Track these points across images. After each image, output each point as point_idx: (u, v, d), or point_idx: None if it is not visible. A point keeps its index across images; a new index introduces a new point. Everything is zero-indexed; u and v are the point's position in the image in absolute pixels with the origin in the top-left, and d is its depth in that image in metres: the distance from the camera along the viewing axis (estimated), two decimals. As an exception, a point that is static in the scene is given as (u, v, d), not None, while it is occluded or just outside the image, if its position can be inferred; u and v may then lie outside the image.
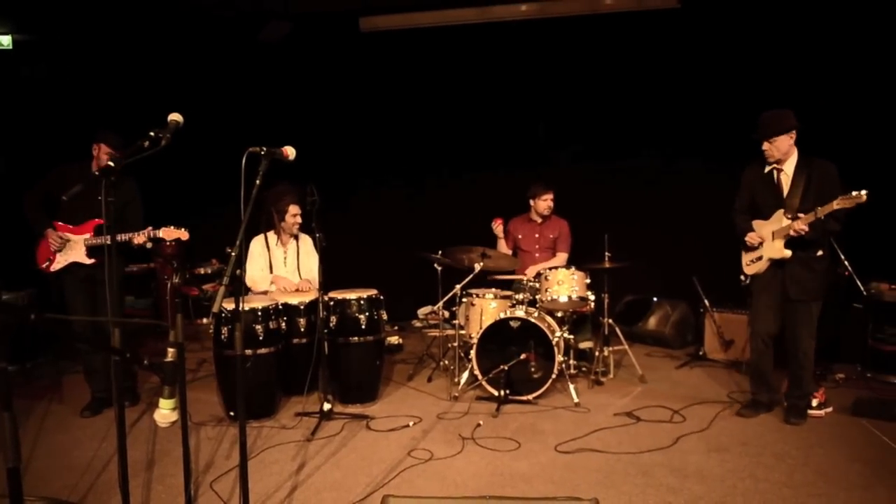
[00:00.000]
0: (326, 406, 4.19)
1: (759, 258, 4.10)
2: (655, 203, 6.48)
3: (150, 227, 4.10)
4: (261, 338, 4.21)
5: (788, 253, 3.92)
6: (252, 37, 6.63)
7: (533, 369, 4.52)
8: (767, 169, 4.06)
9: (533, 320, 4.52)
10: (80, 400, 4.62)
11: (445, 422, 4.20)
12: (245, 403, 2.65)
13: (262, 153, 2.67)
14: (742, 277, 4.23)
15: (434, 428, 4.09)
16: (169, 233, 4.10)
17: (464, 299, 5.08)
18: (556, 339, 4.51)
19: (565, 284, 4.74)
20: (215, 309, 2.36)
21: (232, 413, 4.26)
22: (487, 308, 4.88)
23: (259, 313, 4.22)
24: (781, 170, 4.01)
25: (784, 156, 3.95)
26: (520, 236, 5.57)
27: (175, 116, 2.64)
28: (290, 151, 2.84)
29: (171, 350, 2.31)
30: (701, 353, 5.61)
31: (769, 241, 4.02)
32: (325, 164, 6.09)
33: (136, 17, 6.17)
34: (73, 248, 4.31)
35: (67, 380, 5.23)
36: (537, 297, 4.89)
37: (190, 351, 5.88)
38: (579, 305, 4.90)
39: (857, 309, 5.10)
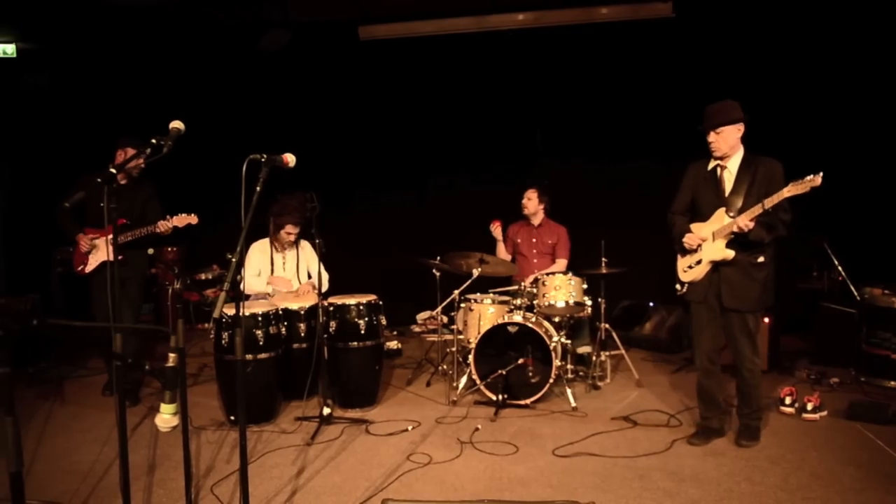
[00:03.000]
0: (326, 410, 4.21)
1: (698, 262, 3.77)
2: (651, 209, 6.49)
3: (167, 215, 4.53)
4: (261, 343, 4.23)
5: (731, 253, 3.61)
6: (252, 45, 6.69)
7: (531, 374, 4.53)
8: (711, 165, 3.78)
9: (531, 325, 4.54)
10: (81, 404, 4.66)
11: (444, 426, 4.22)
12: (245, 408, 2.67)
13: (263, 160, 2.68)
14: (678, 287, 3.88)
15: (433, 432, 4.11)
16: (181, 219, 4.50)
17: (462, 304, 5.10)
18: (553, 344, 4.53)
19: (562, 290, 4.77)
20: (216, 314, 2.37)
21: (232, 417, 4.28)
22: (485, 313, 4.91)
23: (259, 318, 4.25)
24: (725, 167, 3.72)
25: (731, 150, 3.67)
26: (518, 241, 5.62)
27: (177, 124, 2.66)
28: (290, 159, 2.84)
29: (172, 355, 2.33)
30: (697, 357, 5.63)
31: (709, 241, 3.71)
32: (324, 170, 6.13)
33: (139, 25, 6.22)
34: (101, 249, 4.68)
35: (69, 384, 5.24)
36: (535, 302, 4.91)
37: (191, 356, 5.89)
38: (576, 310, 4.92)
39: (851, 313, 5.12)
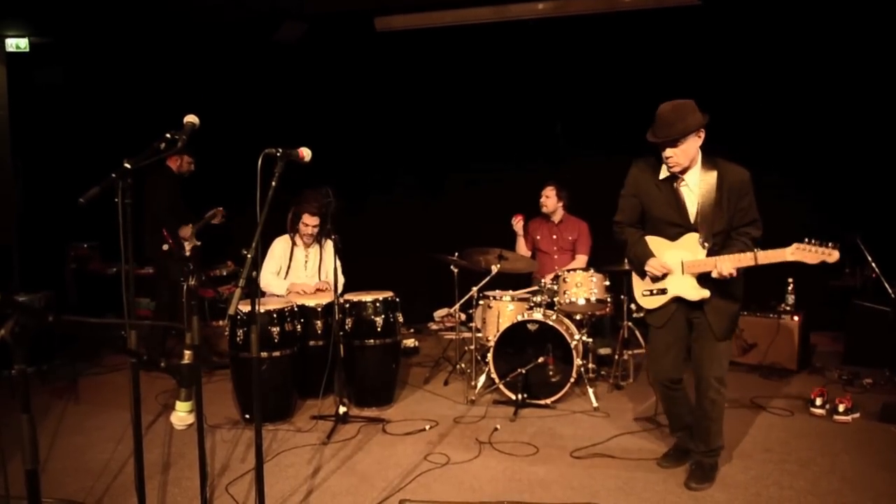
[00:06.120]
0: (342, 409, 4.17)
1: (662, 291, 3.23)
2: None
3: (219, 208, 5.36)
4: (276, 340, 4.19)
5: (707, 293, 3.10)
6: (267, 38, 6.64)
7: (551, 373, 4.46)
8: (665, 174, 3.17)
9: (551, 323, 4.47)
10: (96, 402, 4.66)
11: (462, 426, 4.17)
12: (261, 406, 2.64)
13: (278, 155, 2.65)
14: (633, 307, 3.49)
15: (451, 432, 4.06)
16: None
17: (480, 301, 5.03)
18: (574, 343, 4.45)
19: (583, 287, 4.68)
20: (231, 311, 2.36)
21: (247, 416, 4.25)
22: (504, 310, 4.83)
23: (275, 315, 4.21)
24: (683, 180, 3.13)
25: (691, 162, 3.08)
26: (538, 237, 5.53)
27: (191, 118, 2.62)
28: (305, 153, 2.81)
29: (187, 352, 2.30)
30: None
31: (678, 273, 3.15)
32: (340, 164, 6.08)
33: (152, 18, 6.20)
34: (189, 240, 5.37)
35: (84, 382, 5.25)
36: (555, 299, 4.82)
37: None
38: (598, 308, 4.83)
39: (885, 312, 4.98)
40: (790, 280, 5.28)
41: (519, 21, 6.48)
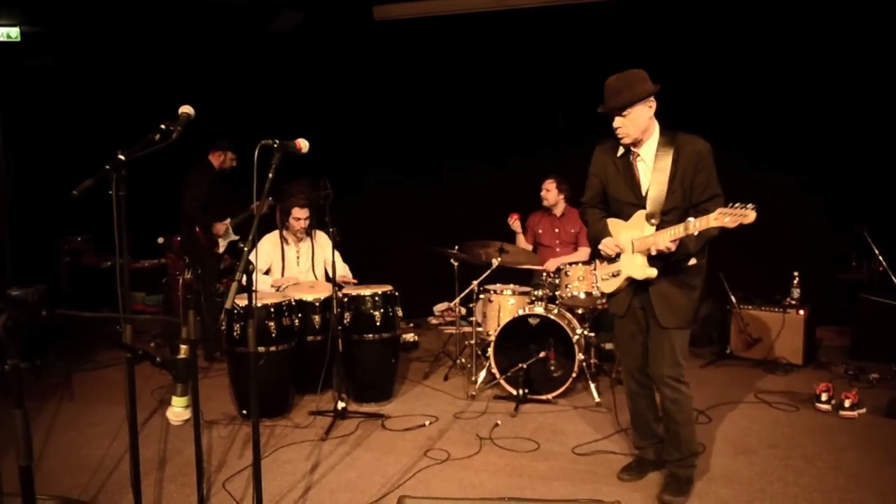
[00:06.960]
0: (341, 405, 4.12)
1: (617, 273, 3.14)
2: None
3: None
4: (274, 335, 4.15)
5: (653, 272, 2.98)
6: (264, 27, 6.56)
7: (552, 368, 4.41)
8: (622, 151, 3.07)
9: (552, 317, 4.42)
10: (91, 397, 4.62)
11: (462, 421, 4.13)
12: (258, 402, 2.60)
13: (275, 146, 2.62)
14: (597, 293, 3.35)
15: (451, 427, 4.03)
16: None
17: (481, 295, 4.98)
18: (576, 337, 4.40)
19: (586, 280, 4.62)
20: (228, 305, 2.32)
21: (245, 411, 4.21)
22: (505, 305, 4.78)
23: (272, 310, 4.16)
24: (638, 154, 3.02)
25: (643, 134, 2.96)
26: (539, 231, 5.47)
27: (186, 109, 2.58)
28: (303, 144, 2.77)
29: (183, 347, 2.27)
30: (728, 351, 5.47)
31: (628, 252, 3.07)
32: (338, 156, 6.02)
33: (145, 6, 6.11)
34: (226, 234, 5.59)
35: (77, 377, 5.20)
36: (557, 293, 4.78)
37: (202, 348, 5.84)
38: (600, 302, 4.78)
39: (892, 306, 4.93)
40: (796, 273, 5.23)
41: (520, 9, 6.40)
